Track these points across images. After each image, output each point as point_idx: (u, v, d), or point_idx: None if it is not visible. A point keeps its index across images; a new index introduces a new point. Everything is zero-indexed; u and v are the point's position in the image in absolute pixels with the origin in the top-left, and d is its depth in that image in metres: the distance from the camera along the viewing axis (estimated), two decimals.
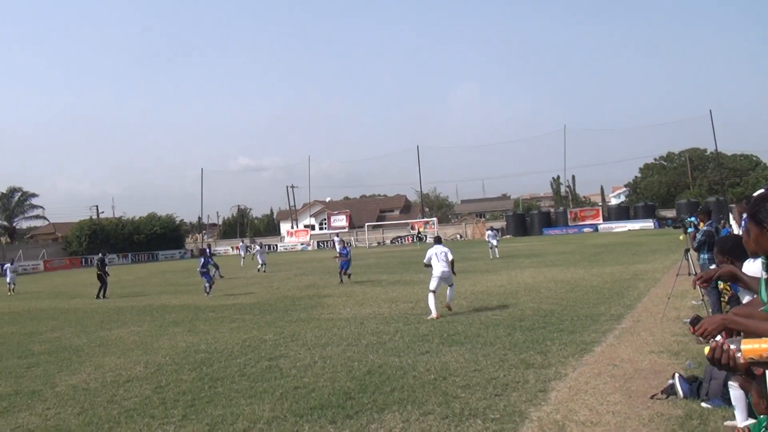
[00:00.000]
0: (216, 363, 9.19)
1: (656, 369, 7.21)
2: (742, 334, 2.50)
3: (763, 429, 3.41)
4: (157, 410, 6.81)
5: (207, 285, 20.46)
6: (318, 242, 73.82)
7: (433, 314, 12.12)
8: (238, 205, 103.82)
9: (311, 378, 7.80)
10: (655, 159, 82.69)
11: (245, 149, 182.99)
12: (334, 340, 10.40)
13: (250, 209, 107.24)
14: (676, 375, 6.23)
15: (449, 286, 12.84)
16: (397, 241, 69.60)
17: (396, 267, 28.39)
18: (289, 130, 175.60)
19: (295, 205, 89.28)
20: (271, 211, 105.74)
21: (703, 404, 5.76)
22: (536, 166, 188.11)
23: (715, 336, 2.64)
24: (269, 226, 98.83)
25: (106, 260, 24.99)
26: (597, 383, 6.79)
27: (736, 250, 4.29)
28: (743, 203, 8.67)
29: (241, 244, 45.10)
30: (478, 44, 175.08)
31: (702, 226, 10.97)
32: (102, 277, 23.10)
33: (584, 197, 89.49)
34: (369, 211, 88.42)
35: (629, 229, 58.47)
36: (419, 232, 63.84)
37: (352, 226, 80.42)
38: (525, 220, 68.17)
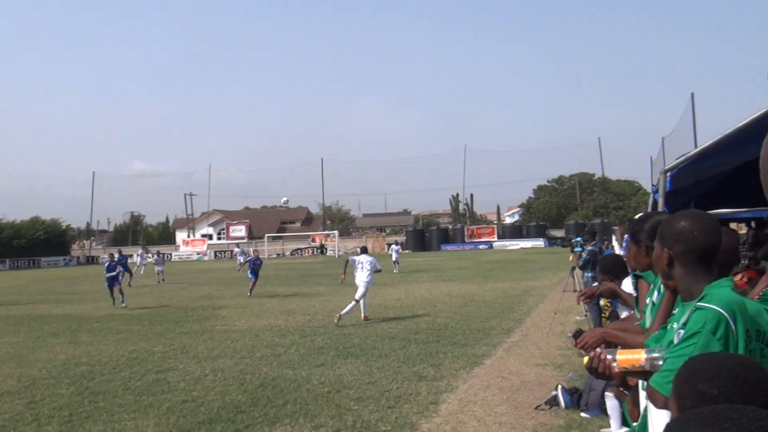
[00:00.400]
0: (98, 376, 8.68)
1: (541, 381, 7.51)
2: (619, 346, 2.65)
3: None
4: (29, 427, 6.33)
5: (121, 296, 18.20)
6: (216, 252, 71.80)
7: (342, 315, 12.77)
8: (132, 212, 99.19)
9: (201, 391, 7.53)
10: (548, 181, 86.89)
11: (141, 153, 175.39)
12: (227, 353, 10.12)
13: (144, 216, 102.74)
14: (559, 387, 6.53)
15: (358, 300, 13.25)
16: (298, 253, 68.94)
17: (294, 279, 28.11)
18: (189, 136, 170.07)
19: (192, 214, 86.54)
20: (167, 219, 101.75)
21: (583, 414, 6.06)
22: (437, 184, 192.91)
23: (596, 348, 2.77)
24: (164, 235, 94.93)
25: None
26: (486, 395, 6.98)
27: (616, 269, 4.57)
28: (625, 225, 9.27)
29: (141, 251, 43.20)
30: (380, 60, 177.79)
31: (588, 246, 11.63)
32: None
33: (481, 215, 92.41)
34: (270, 221, 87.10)
35: (522, 247, 60.90)
36: (322, 245, 63.61)
37: (252, 236, 78.85)
38: (424, 235, 69.47)
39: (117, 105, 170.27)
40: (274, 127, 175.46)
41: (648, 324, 2.85)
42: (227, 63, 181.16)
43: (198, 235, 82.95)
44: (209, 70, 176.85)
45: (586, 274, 11.35)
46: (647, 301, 3.03)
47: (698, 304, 1.99)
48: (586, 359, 2.31)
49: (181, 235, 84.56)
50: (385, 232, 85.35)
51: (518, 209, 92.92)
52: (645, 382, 2.21)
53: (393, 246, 34.17)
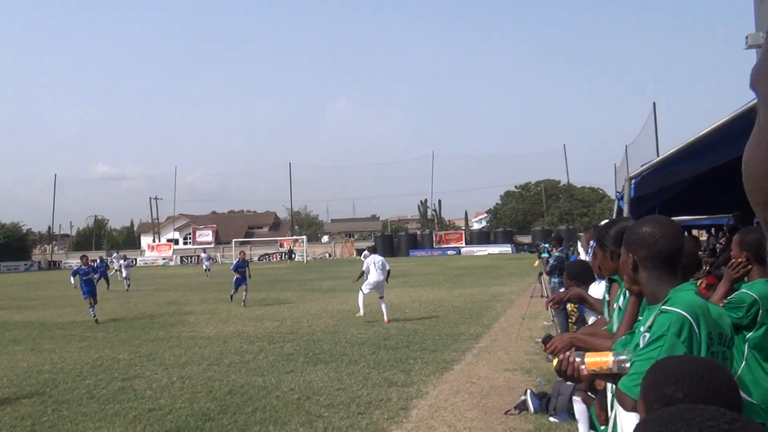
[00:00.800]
0: (62, 384, 8.50)
1: (510, 386, 7.60)
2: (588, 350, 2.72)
3: None
4: None
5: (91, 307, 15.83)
6: (181, 257, 70.79)
7: (361, 312, 13.33)
8: (95, 216, 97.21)
9: (168, 399, 7.43)
10: (515, 187, 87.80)
11: (105, 156, 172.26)
12: (195, 360, 9.99)
13: (108, 220, 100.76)
14: (528, 391, 6.61)
15: (381, 299, 13.76)
16: (265, 259, 68.40)
17: (263, 285, 27.87)
18: (155, 138, 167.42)
19: (158, 218, 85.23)
20: (132, 223, 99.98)
21: (551, 418, 6.15)
22: (405, 189, 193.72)
23: (565, 352, 2.82)
24: (129, 239, 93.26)
25: None
26: (456, 400, 7.03)
27: (583, 275, 4.65)
28: (591, 231, 9.45)
29: (115, 255, 42.49)
30: (349, 65, 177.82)
31: (554, 252, 11.81)
32: None
33: (449, 221, 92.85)
34: (237, 226, 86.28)
35: (489, 253, 61.39)
36: (290, 250, 63.22)
37: (219, 241, 78.01)
38: (393, 241, 69.59)
39: (81, 106, 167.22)
40: (241, 131, 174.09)
41: (615, 328, 2.92)
42: (193, 65, 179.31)
43: (164, 240, 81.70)
44: (175, 72, 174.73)
45: (553, 280, 11.52)
46: (614, 305, 3.11)
47: (663, 307, 2.06)
48: (555, 361, 2.37)
49: (146, 240, 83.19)
50: (353, 237, 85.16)
51: (486, 215, 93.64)
52: (613, 386, 2.28)
53: (366, 252, 33.54)
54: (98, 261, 19.51)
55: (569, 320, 9.33)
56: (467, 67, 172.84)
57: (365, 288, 13.84)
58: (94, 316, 15.61)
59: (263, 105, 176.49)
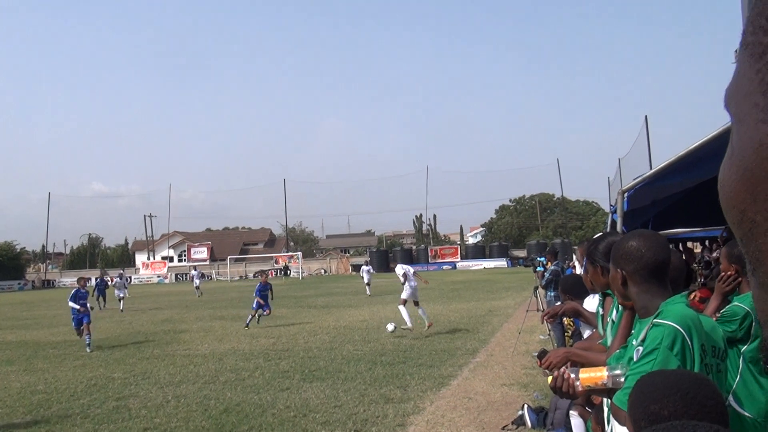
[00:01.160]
0: (55, 404, 8.43)
1: (507, 401, 7.57)
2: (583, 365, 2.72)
3: None
4: None
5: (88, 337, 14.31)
6: (176, 275, 70.50)
7: (409, 324, 13.51)
8: (89, 234, 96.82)
9: (163, 418, 7.38)
10: (510, 200, 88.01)
11: (100, 174, 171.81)
12: (190, 378, 9.93)
13: (103, 238, 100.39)
14: (525, 406, 6.59)
15: (418, 305, 14.30)
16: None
17: None
18: (149, 156, 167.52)
19: (152, 236, 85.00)
20: (126, 241, 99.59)
21: None
22: (400, 204, 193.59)
23: (560, 368, 2.83)
24: (123, 257, 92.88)
25: None
26: (453, 416, 7.00)
27: (577, 289, 4.67)
28: (584, 245, 9.48)
29: (117, 275, 42.39)
30: (344, 80, 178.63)
31: (550, 266, 11.81)
32: None
33: (444, 236, 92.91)
34: (232, 243, 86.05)
35: (485, 267, 61.37)
36: (286, 266, 63.04)
37: (214, 258, 77.81)
38: (388, 256, 69.49)
39: (75, 125, 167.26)
40: (236, 147, 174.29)
41: (609, 342, 2.93)
42: (187, 82, 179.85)
43: (158, 258, 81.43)
44: (169, 89, 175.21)
45: (548, 294, 11.51)
46: (608, 319, 3.12)
47: (655, 320, 2.07)
48: (550, 378, 2.37)
49: (140, 258, 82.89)
50: (348, 253, 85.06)
51: (481, 229, 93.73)
52: (609, 400, 2.28)
53: (364, 267, 31.91)
54: (98, 279, 19.08)
55: (566, 334, 9.32)
56: (460, 82, 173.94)
57: (405, 294, 14.19)
58: (89, 343, 14.05)
59: (258, 121, 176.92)
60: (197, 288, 34.76)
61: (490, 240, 78.94)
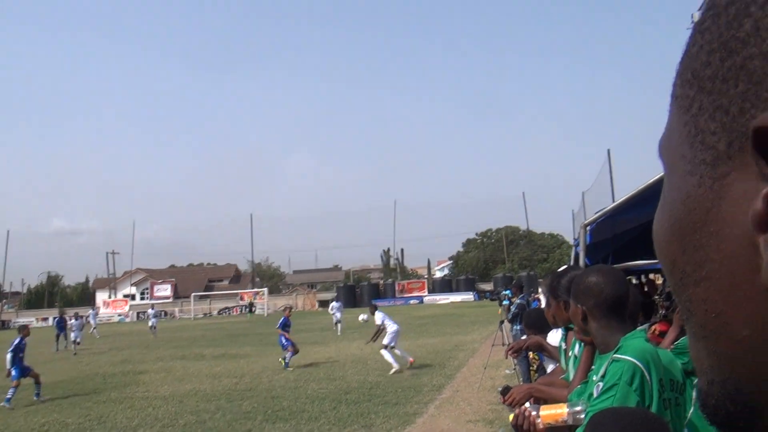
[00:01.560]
0: None
1: None
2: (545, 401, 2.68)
3: None
4: None
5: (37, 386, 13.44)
6: (138, 313, 68.86)
7: (396, 366, 13.23)
8: (48, 272, 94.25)
9: None
10: (476, 234, 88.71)
11: (60, 211, 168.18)
12: (148, 422, 9.59)
13: (63, 276, 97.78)
14: None
15: (394, 347, 14.09)
16: (226, 312, 67.02)
17: (222, 340, 27.19)
18: (112, 193, 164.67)
19: (114, 273, 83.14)
20: (87, 279, 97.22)
21: None
22: (367, 239, 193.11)
23: (523, 404, 2.78)
24: (84, 296, 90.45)
25: None
26: None
27: (540, 323, 4.64)
28: (547, 279, 9.54)
29: (91, 312, 41.36)
30: (307, 118, 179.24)
31: (515, 299, 11.85)
32: None
33: (412, 269, 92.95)
34: (196, 280, 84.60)
35: (452, 301, 61.38)
36: (251, 303, 62.15)
37: (178, 295, 76.32)
38: (355, 291, 69.14)
39: (34, 160, 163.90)
40: (201, 183, 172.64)
41: (571, 377, 2.90)
42: (149, 115, 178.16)
43: (120, 296, 79.55)
44: (130, 122, 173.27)
45: (514, 327, 11.51)
46: (570, 354, 3.09)
47: (614, 356, 2.05)
48: (511, 416, 2.33)
49: (101, 296, 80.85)
50: (315, 288, 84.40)
51: (448, 262, 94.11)
52: None
53: (334, 304, 29.56)
54: (56, 318, 18.40)
55: (530, 368, 9.30)
56: (426, 116, 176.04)
57: (387, 340, 13.95)
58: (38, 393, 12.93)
59: (223, 157, 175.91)
60: (153, 328, 32.89)
61: (457, 273, 79.18)
